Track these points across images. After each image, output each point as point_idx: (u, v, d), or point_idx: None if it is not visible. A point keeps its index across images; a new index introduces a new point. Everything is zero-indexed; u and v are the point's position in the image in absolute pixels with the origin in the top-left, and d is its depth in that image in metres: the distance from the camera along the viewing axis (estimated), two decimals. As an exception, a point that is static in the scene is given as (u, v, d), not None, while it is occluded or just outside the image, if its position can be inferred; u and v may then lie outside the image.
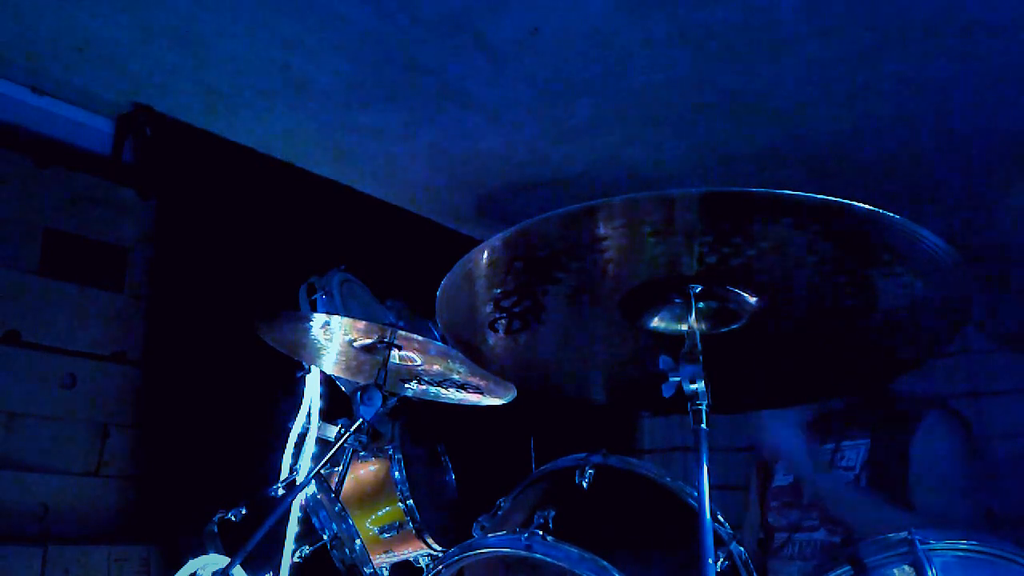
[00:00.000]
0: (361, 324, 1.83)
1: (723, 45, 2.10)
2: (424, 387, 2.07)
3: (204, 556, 1.80)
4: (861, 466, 2.02)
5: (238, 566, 1.57)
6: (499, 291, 1.23)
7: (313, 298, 2.18)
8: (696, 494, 1.24)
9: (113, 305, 2.56)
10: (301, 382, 2.16)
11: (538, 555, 1.31)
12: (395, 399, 2.10)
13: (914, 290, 1.14)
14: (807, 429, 2.18)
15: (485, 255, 1.16)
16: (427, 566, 2.13)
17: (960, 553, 1.23)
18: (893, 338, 1.30)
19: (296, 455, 2.06)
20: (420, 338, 1.82)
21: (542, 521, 1.36)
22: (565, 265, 1.17)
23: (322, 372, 2.14)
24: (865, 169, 2.74)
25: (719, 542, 1.44)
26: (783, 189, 0.97)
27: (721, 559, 1.42)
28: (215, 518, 1.91)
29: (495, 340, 1.38)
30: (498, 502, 1.65)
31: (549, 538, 1.33)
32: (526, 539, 1.33)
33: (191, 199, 2.68)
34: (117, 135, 2.67)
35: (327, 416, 2.10)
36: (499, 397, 2.05)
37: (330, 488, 1.92)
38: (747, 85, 2.28)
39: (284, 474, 2.06)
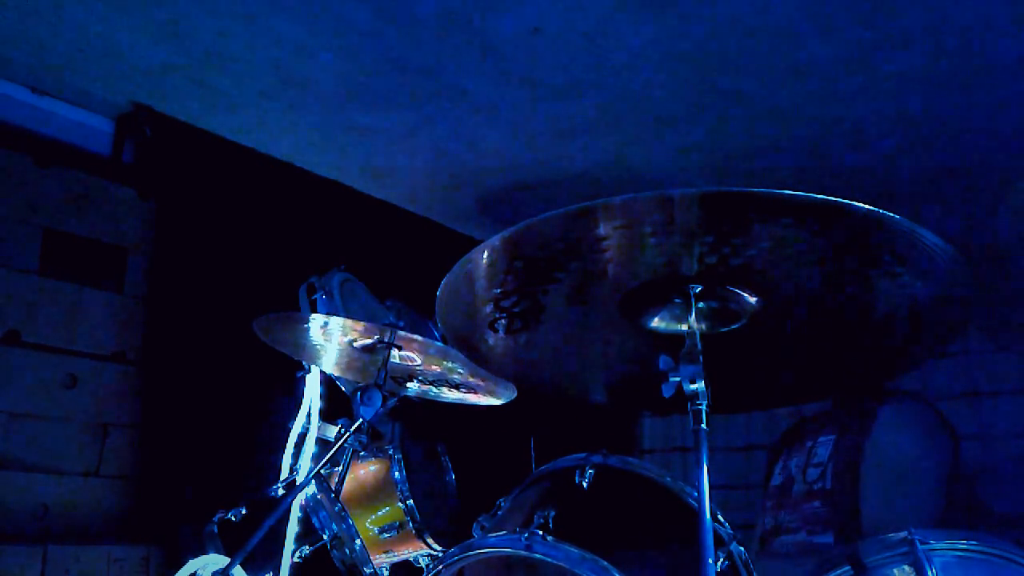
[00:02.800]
0: (360, 325, 1.83)
1: (723, 45, 2.10)
2: (424, 387, 2.07)
3: (204, 556, 1.80)
4: (827, 460, 2.04)
5: (238, 566, 1.57)
6: (499, 291, 1.23)
7: (313, 298, 2.18)
8: (696, 494, 1.24)
9: (113, 305, 2.56)
10: (301, 382, 2.16)
11: (538, 555, 1.31)
12: (395, 399, 2.10)
13: (914, 290, 1.14)
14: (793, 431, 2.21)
15: (485, 255, 1.16)
16: (427, 566, 2.13)
17: (960, 553, 1.24)
18: (893, 338, 1.30)
19: (296, 455, 2.06)
20: (420, 338, 1.82)
21: (542, 521, 1.36)
22: (565, 265, 1.17)
23: (322, 372, 2.14)
24: (865, 169, 2.74)
25: (719, 542, 1.44)
26: (783, 189, 0.97)
27: (721, 559, 1.42)
28: (215, 518, 1.91)
29: (495, 340, 1.38)
30: (498, 502, 1.65)
31: (549, 538, 1.33)
32: (526, 539, 1.33)
33: (191, 199, 2.68)
34: (117, 135, 2.67)
35: (327, 416, 2.10)
36: (499, 397, 2.05)
37: (330, 488, 1.92)
38: (747, 85, 2.28)
39: (284, 474, 2.06)
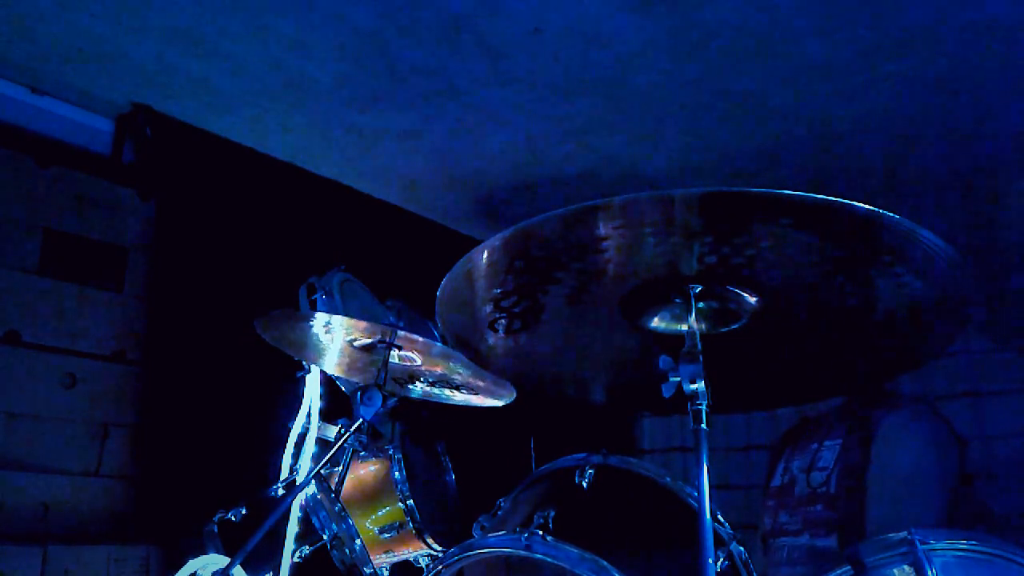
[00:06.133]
0: (362, 324, 1.83)
1: (723, 45, 2.10)
2: (426, 388, 2.07)
3: (204, 556, 1.80)
4: (832, 465, 2.04)
5: (238, 566, 1.57)
6: (499, 291, 1.23)
7: (313, 298, 2.18)
8: (696, 494, 1.24)
9: (113, 305, 2.56)
10: (301, 382, 2.16)
11: (538, 555, 1.31)
12: (395, 399, 2.10)
13: (914, 290, 1.14)
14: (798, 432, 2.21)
15: (485, 255, 1.16)
16: (427, 566, 2.13)
17: (960, 553, 1.23)
18: (893, 338, 1.30)
19: (296, 455, 2.06)
20: (420, 338, 1.82)
21: (542, 521, 1.36)
22: (565, 265, 1.17)
23: (322, 372, 2.14)
24: (865, 169, 2.74)
25: (719, 542, 1.44)
26: (783, 189, 0.97)
27: (721, 559, 1.42)
28: (215, 518, 1.91)
29: (495, 340, 1.38)
30: (498, 502, 1.65)
31: (549, 538, 1.32)
32: (526, 539, 1.33)
33: (191, 199, 2.68)
34: (117, 135, 2.67)
35: (327, 416, 2.10)
36: (499, 398, 2.05)
37: (330, 488, 1.92)
38: (747, 85, 2.28)
39: (284, 474, 2.06)
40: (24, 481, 2.31)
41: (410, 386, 2.06)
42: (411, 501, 2.07)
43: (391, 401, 2.08)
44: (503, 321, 1.30)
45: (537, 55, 2.18)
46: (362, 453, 2.15)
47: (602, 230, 1.09)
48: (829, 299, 1.20)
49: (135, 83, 2.45)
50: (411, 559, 2.18)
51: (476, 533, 1.59)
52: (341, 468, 1.90)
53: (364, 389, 1.79)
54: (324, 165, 2.92)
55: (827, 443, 2.09)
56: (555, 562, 1.30)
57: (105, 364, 2.52)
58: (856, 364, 1.40)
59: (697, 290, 1.19)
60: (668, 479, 1.53)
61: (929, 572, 1.19)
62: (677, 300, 1.22)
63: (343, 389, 2.23)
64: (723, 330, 1.28)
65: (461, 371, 1.93)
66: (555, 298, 1.25)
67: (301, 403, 2.12)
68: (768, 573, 2.10)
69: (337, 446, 1.77)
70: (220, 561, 1.77)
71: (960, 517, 1.91)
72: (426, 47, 2.16)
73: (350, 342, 1.89)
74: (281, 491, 1.97)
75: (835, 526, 1.95)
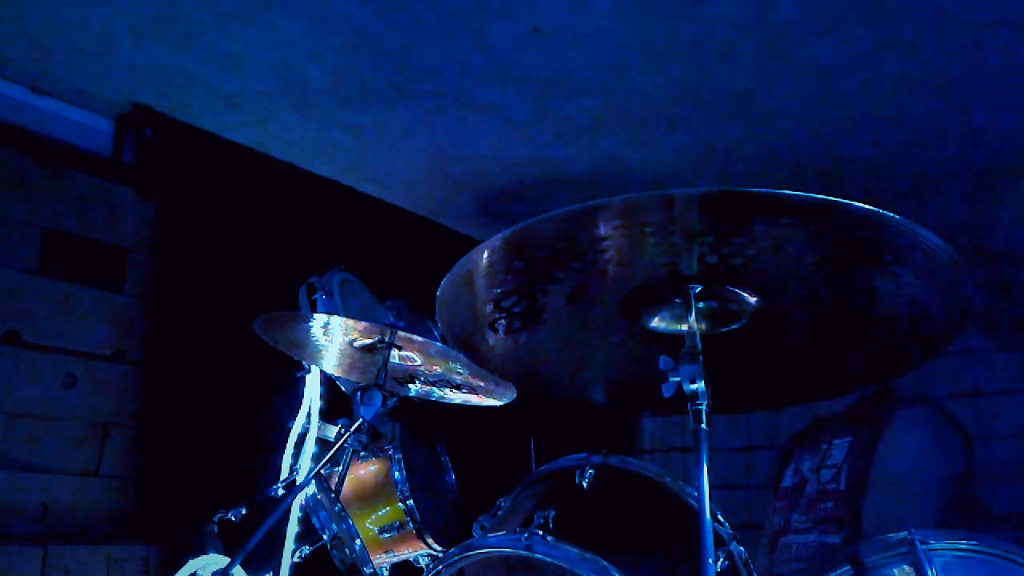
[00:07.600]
0: (362, 324, 1.84)
1: (723, 45, 2.10)
2: (426, 388, 2.07)
3: (204, 556, 1.80)
4: (841, 462, 2.04)
5: (238, 566, 1.57)
6: (499, 291, 1.23)
7: (313, 298, 2.18)
8: (696, 494, 1.24)
9: (113, 305, 2.56)
10: (301, 382, 2.16)
11: (538, 555, 1.31)
12: (395, 399, 2.10)
13: (914, 290, 1.14)
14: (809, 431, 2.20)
15: (485, 255, 1.16)
16: (427, 566, 2.13)
17: (960, 553, 1.23)
18: (893, 338, 1.30)
19: (296, 455, 2.07)
20: (420, 338, 1.82)
21: (542, 521, 1.36)
22: (565, 265, 1.17)
23: (322, 372, 2.14)
24: (865, 169, 2.74)
25: (719, 542, 1.44)
26: (783, 189, 0.97)
27: (721, 559, 1.42)
28: (215, 518, 1.91)
29: (495, 340, 1.38)
30: (498, 502, 1.65)
31: (549, 538, 1.32)
32: (526, 539, 1.33)
33: (191, 199, 2.68)
34: (117, 135, 2.67)
35: (327, 416, 2.10)
36: (499, 398, 2.05)
37: (330, 488, 1.92)
38: (747, 85, 2.28)
39: (284, 474, 2.06)
40: (24, 481, 2.31)
41: (410, 386, 2.06)
42: (411, 501, 2.07)
43: (391, 401, 2.08)
44: (503, 321, 1.30)
45: (537, 55, 2.18)
46: (362, 453, 2.15)
47: (602, 230, 1.09)
48: (829, 299, 1.20)
49: (135, 83, 2.45)
50: (411, 559, 2.18)
51: (476, 533, 1.59)
52: (341, 468, 1.90)
53: (364, 389, 1.79)
54: (324, 165, 2.92)
55: (836, 442, 2.09)
56: (555, 562, 1.30)
57: (105, 364, 2.52)
58: (856, 364, 1.40)
59: (697, 290, 1.19)
60: (668, 479, 1.53)
61: (929, 572, 1.19)
62: (677, 300, 1.22)
63: (343, 389, 2.23)
64: (723, 330, 1.28)
65: (461, 371, 1.93)
66: (555, 298, 1.25)
67: (301, 403, 2.13)
68: (774, 572, 2.10)
69: (337, 446, 1.77)
70: (220, 561, 1.77)
71: (960, 517, 1.90)
72: (426, 47, 2.16)
73: (350, 342, 1.89)
74: (281, 491, 1.97)
75: (844, 523, 1.95)
